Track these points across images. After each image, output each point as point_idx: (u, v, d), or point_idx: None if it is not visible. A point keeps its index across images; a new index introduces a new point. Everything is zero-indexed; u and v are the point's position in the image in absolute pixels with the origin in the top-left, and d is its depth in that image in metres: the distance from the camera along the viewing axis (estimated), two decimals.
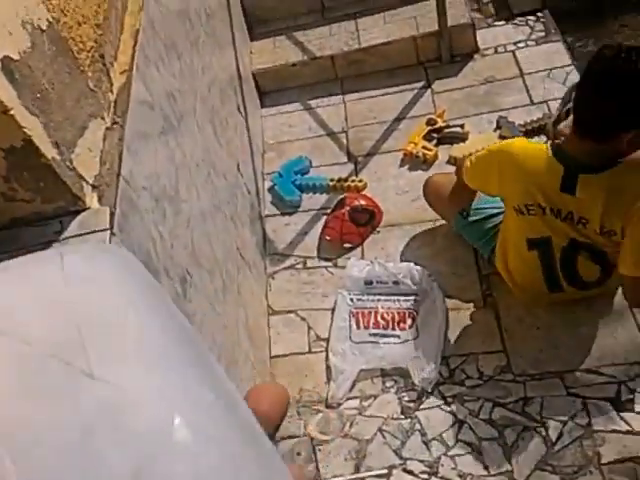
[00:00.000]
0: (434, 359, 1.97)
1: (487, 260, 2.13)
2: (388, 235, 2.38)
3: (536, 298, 1.99)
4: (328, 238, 2.39)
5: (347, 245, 2.37)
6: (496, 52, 2.91)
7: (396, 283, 2.17)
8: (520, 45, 2.90)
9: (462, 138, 2.61)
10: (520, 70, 2.80)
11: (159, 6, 1.75)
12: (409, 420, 1.90)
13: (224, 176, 2.10)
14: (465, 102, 2.75)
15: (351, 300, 2.17)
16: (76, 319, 0.66)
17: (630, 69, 1.47)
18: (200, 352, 0.74)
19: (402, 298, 2.15)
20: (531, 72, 2.78)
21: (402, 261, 2.26)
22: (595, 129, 1.58)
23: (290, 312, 2.24)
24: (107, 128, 1.29)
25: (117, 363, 0.64)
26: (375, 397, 1.97)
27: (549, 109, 2.61)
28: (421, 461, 1.82)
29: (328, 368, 2.05)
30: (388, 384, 1.99)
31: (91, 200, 1.17)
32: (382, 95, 2.88)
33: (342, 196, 2.49)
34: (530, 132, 2.54)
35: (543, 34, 2.93)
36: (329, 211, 2.48)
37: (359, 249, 2.37)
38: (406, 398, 1.94)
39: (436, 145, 2.61)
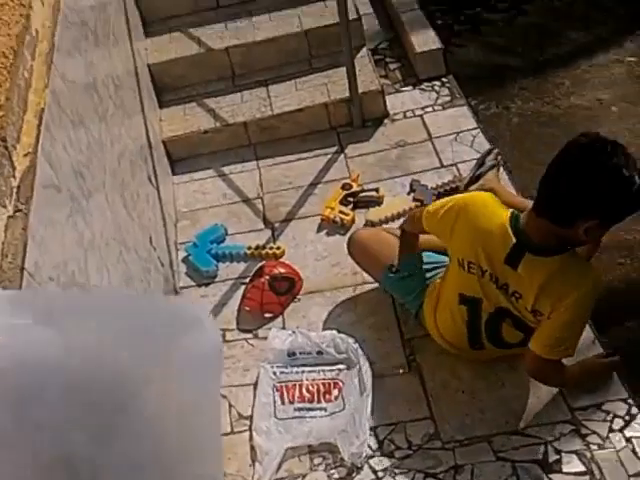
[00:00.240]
0: (362, 431, 1.92)
1: (414, 316, 2.12)
2: (309, 303, 2.35)
3: (459, 353, 2.00)
4: (248, 309, 2.33)
5: (268, 315, 2.32)
6: (405, 117, 2.99)
7: (320, 353, 2.12)
8: (428, 110, 3.00)
9: (377, 202, 2.64)
10: (429, 134, 2.88)
11: (65, 81, 1.69)
12: None
13: (136, 251, 2.02)
14: (378, 166, 2.79)
15: (274, 374, 2.11)
16: None
17: (603, 161, 1.50)
18: None
19: (327, 368, 2.10)
20: (440, 136, 2.86)
21: (325, 329, 2.23)
22: (555, 211, 1.59)
23: None
24: (9, 217, 1.20)
25: None
26: (304, 476, 1.89)
27: (459, 171, 2.69)
28: None
29: (252, 449, 1.96)
30: (316, 461, 1.92)
31: None
32: (296, 160, 2.89)
33: (260, 264, 2.45)
34: (443, 194, 2.60)
35: (449, 98, 3.04)
36: (247, 280, 2.42)
37: (280, 318, 2.32)
38: (336, 475, 1.88)
39: (352, 209, 2.63)
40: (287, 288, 2.35)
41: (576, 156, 1.54)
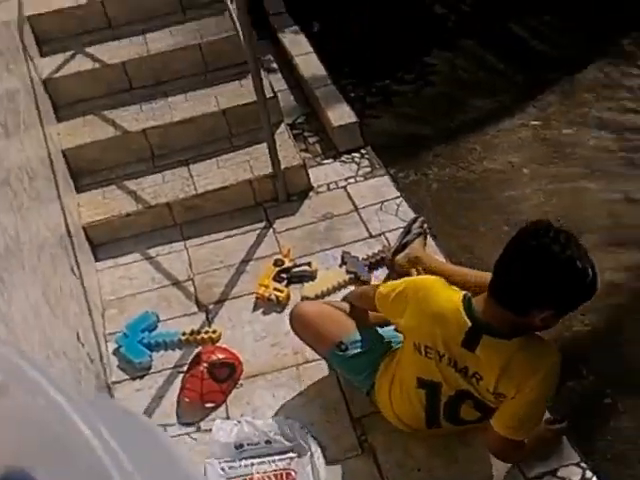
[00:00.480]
0: None
1: (365, 394, 2.07)
2: (252, 387, 2.26)
3: (413, 431, 1.96)
4: (187, 400, 2.22)
5: (209, 405, 2.21)
6: (329, 189, 3.02)
7: (268, 442, 2.03)
8: (350, 181, 3.04)
9: (311, 276, 2.61)
10: (354, 205, 2.91)
11: None
12: None
13: (65, 353, 1.88)
14: (308, 239, 2.78)
15: (222, 469, 1.99)
16: None
17: (557, 253, 1.49)
18: None
19: (277, 458, 2.01)
20: (365, 206, 2.90)
21: (271, 415, 2.15)
22: (510, 299, 1.58)
23: None
24: None
25: None
26: None
27: (387, 241, 2.72)
28: None
29: None
30: None
31: None
32: (225, 238, 2.84)
33: (197, 350, 2.35)
34: (374, 265, 2.61)
35: (369, 169, 3.10)
36: (185, 369, 2.31)
37: (223, 407, 2.22)
38: None
39: (287, 285, 2.59)
40: (228, 374, 2.25)
41: (529, 246, 1.53)
